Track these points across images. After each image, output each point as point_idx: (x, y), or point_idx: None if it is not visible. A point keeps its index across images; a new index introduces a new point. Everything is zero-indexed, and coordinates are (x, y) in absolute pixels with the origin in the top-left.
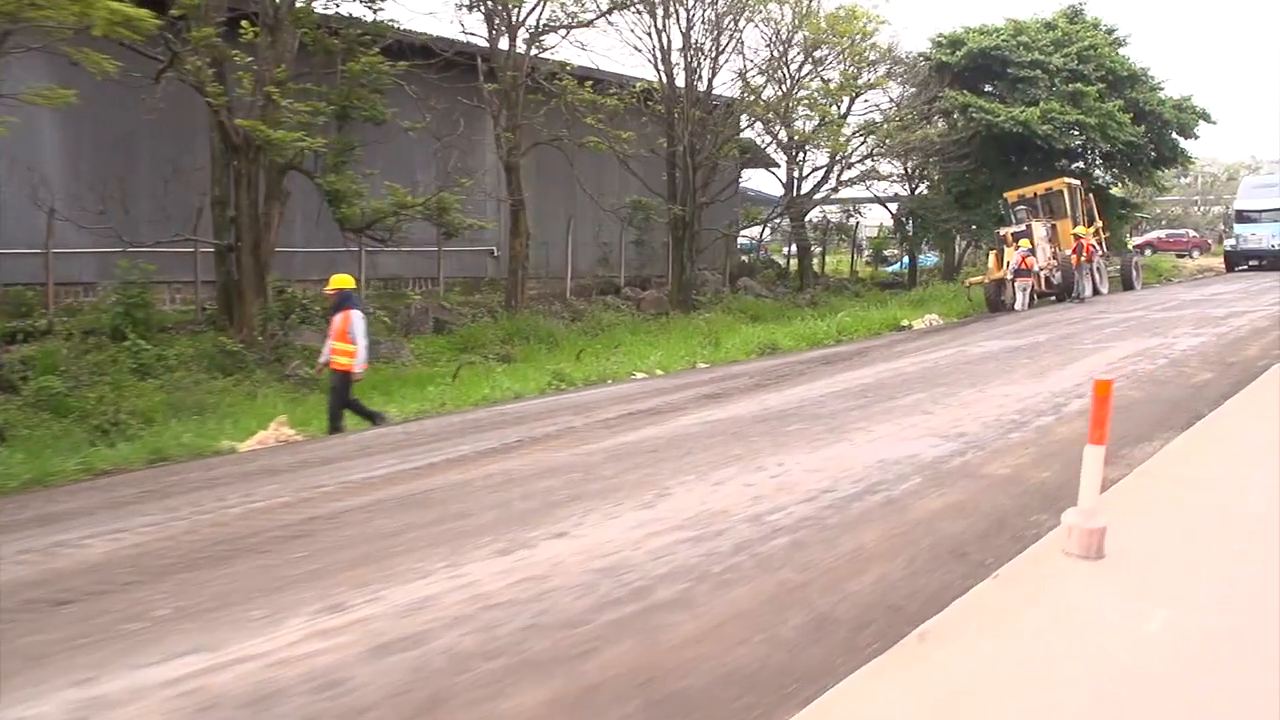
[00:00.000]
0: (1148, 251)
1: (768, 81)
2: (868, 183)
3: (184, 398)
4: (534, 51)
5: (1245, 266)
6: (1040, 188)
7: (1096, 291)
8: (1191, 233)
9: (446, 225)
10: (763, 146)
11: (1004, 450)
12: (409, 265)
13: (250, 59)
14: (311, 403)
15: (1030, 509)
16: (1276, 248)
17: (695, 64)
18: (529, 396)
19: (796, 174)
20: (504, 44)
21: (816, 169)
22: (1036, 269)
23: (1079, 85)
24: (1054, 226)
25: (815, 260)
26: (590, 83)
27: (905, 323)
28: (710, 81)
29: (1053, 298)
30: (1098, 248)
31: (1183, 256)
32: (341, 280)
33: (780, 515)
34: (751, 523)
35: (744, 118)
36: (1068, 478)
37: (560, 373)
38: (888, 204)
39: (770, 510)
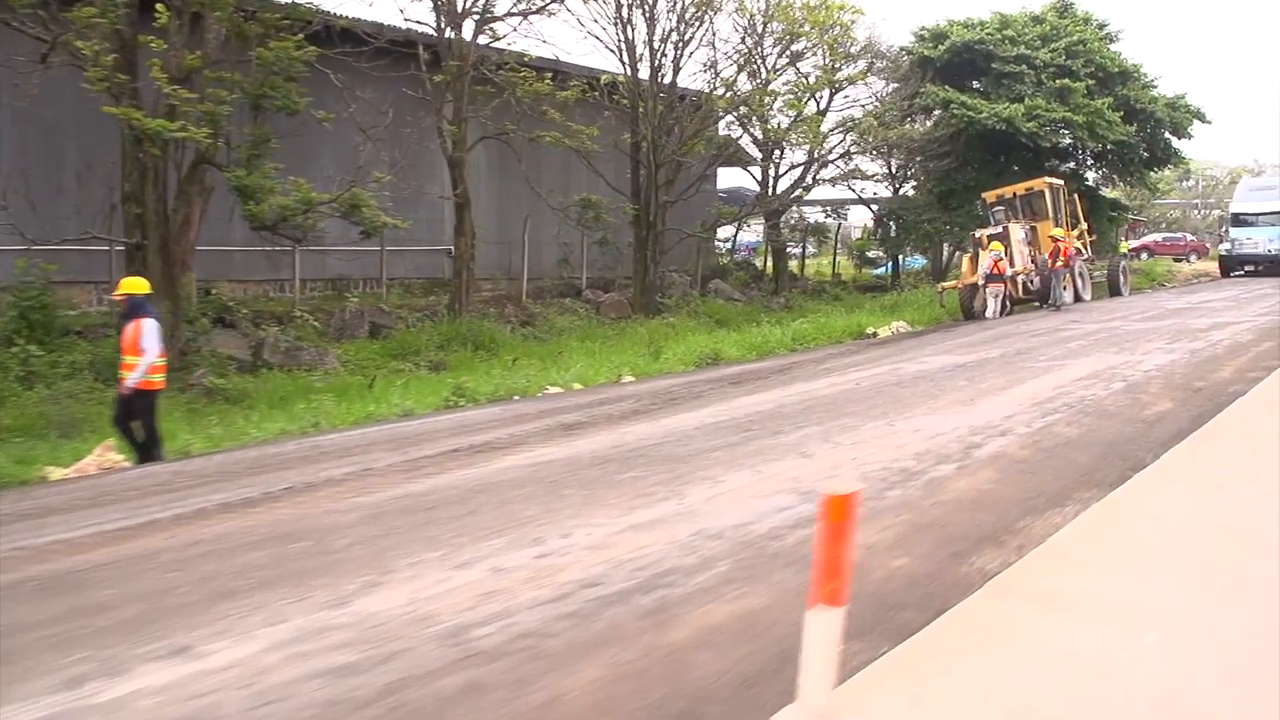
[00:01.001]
0: (1144, 255)
1: (739, 73)
2: (851, 182)
3: (59, 411)
4: (482, 39)
5: (1241, 272)
6: (1020, 188)
7: (1078, 298)
8: (1189, 236)
9: (362, 223)
10: (736, 141)
11: (868, 518)
12: (360, 265)
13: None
14: (211, 414)
15: (848, 633)
16: (1273, 252)
17: (660, 55)
18: (420, 414)
19: (773, 172)
20: (452, 31)
21: (794, 167)
22: (1010, 274)
23: (1066, 81)
24: (1034, 229)
25: (797, 262)
26: (550, 75)
27: (870, 330)
28: (675, 73)
29: (1036, 304)
30: (1083, 251)
31: (1180, 260)
32: (132, 284)
33: (491, 630)
34: (442, 643)
35: (715, 113)
36: (933, 566)
37: (462, 388)
38: (871, 204)
39: (484, 620)
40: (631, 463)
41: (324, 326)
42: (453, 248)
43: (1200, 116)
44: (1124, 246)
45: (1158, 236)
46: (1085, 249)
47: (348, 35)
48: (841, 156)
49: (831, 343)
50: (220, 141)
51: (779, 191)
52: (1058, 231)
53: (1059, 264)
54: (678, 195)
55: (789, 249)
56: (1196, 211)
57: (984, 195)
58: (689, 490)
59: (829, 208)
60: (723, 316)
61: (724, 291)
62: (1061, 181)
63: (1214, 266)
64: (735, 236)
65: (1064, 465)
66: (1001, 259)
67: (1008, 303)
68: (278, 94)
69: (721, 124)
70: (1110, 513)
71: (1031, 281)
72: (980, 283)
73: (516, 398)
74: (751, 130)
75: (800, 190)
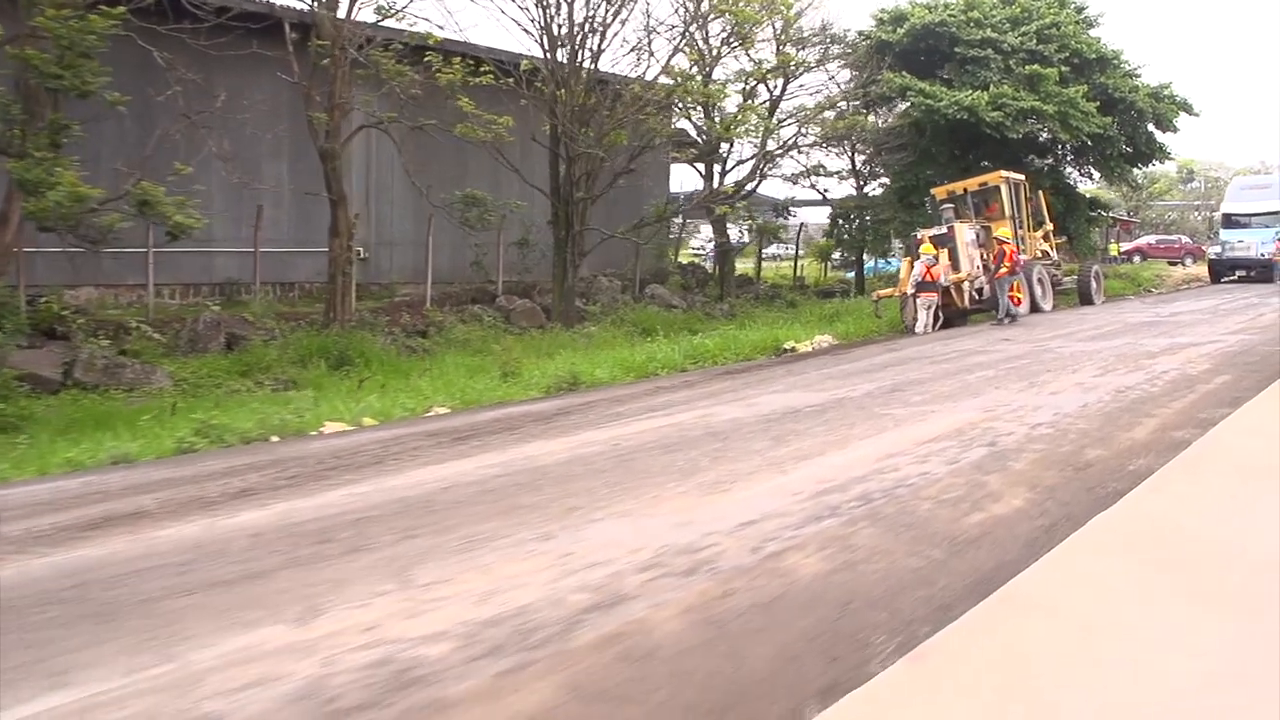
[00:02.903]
0: (1137, 258)
1: (673, 54)
2: (812, 179)
3: None
4: (368, 16)
5: (1233, 277)
6: (973, 183)
7: (1036, 308)
8: (1184, 238)
9: (160, 222)
10: (664, 133)
11: None
12: (261, 268)
13: None
14: None
15: None
16: (1265, 256)
17: (581, 35)
18: (144, 460)
19: (718, 168)
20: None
21: (741, 162)
22: (944, 282)
23: (1036, 68)
24: (987, 229)
25: (757, 265)
26: (460, 59)
27: (789, 345)
28: (597, 58)
29: (1004, 317)
30: (1050, 254)
31: (1175, 264)
32: None
33: None
34: None
35: (642, 101)
36: None
37: (209, 426)
38: (826, 203)
39: None
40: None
41: (173, 338)
42: (361, 249)
43: (1186, 108)
44: (1114, 249)
45: (1152, 239)
46: (1051, 252)
47: (183, 11)
48: (790, 149)
49: (737, 360)
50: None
51: (723, 188)
52: (1004, 232)
53: (1003, 270)
54: (599, 191)
55: (738, 249)
56: (1197, 213)
57: (933, 191)
58: None
59: (777, 207)
60: (650, 325)
61: (662, 298)
62: (1022, 176)
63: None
64: (681, 236)
65: (732, 672)
66: (935, 264)
67: (940, 314)
68: (69, 73)
69: (662, 114)
70: None
71: (981, 290)
72: (910, 292)
73: (275, 439)
74: (695, 121)
75: (745, 187)
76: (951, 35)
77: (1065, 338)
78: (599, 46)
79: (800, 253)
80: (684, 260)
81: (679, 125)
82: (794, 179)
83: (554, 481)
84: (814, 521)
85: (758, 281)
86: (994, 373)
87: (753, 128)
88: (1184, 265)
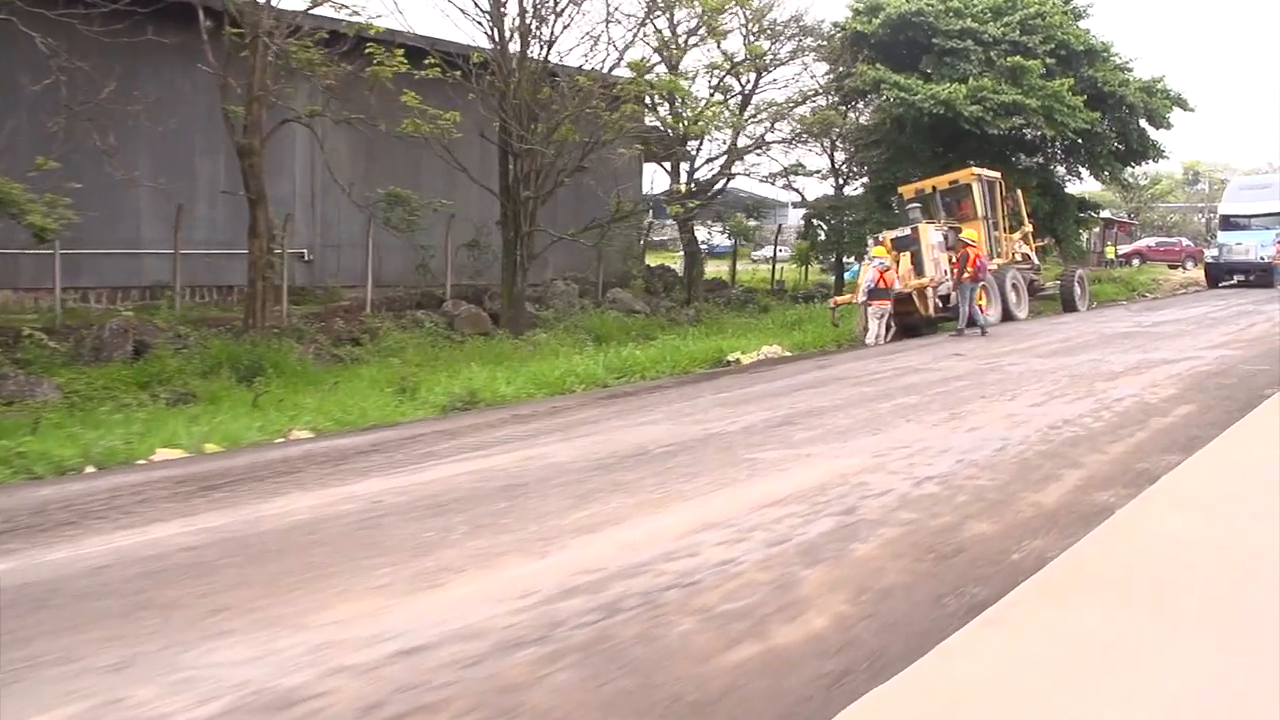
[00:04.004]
0: (1136, 261)
1: (631, 42)
2: (789, 179)
3: None
4: (295, 4)
5: (1231, 282)
6: (942, 180)
7: (1009, 316)
8: (1185, 241)
9: (17, 221)
10: (629, 130)
11: None
12: (186, 270)
13: None
14: None
15: None
16: (1265, 260)
17: (530, 23)
18: None
19: (686, 165)
20: None
21: (711, 160)
22: (899, 289)
23: (1019, 59)
24: (957, 231)
25: (732, 268)
26: (402, 50)
27: (734, 356)
28: (549, 47)
29: (964, 328)
30: (1030, 258)
31: (1176, 267)
32: None
33: None
34: None
35: (597, 93)
36: None
37: (16, 455)
38: (802, 204)
39: None
40: None
41: (75, 347)
42: (305, 252)
43: (1181, 103)
44: (1111, 251)
45: (1152, 241)
46: (1032, 255)
47: None
48: (759, 146)
49: (671, 373)
50: None
51: (678, 186)
52: (971, 234)
53: (966, 275)
54: (547, 189)
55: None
56: (1200, 216)
57: (900, 190)
58: None
59: (748, 207)
60: (606, 333)
61: (624, 302)
62: (997, 174)
63: None
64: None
65: None
66: (888, 269)
67: (892, 325)
68: None
69: (623, 109)
70: None
71: (947, 297)
72: (861, 299)
73: (91, 469)
74: (661, 116)
75: (714, 186)
76: (930, 26)
77: (1024, 353)
78: (551, 35)
79: (782, 255)
80: (668, 264)
81: (648, 121)
82: (772, 179)
83: (236, 565)
84: (506, 652)
85: (733, 285)
86: (918, 399)
87: (722, 123)
88: (1185, 269)
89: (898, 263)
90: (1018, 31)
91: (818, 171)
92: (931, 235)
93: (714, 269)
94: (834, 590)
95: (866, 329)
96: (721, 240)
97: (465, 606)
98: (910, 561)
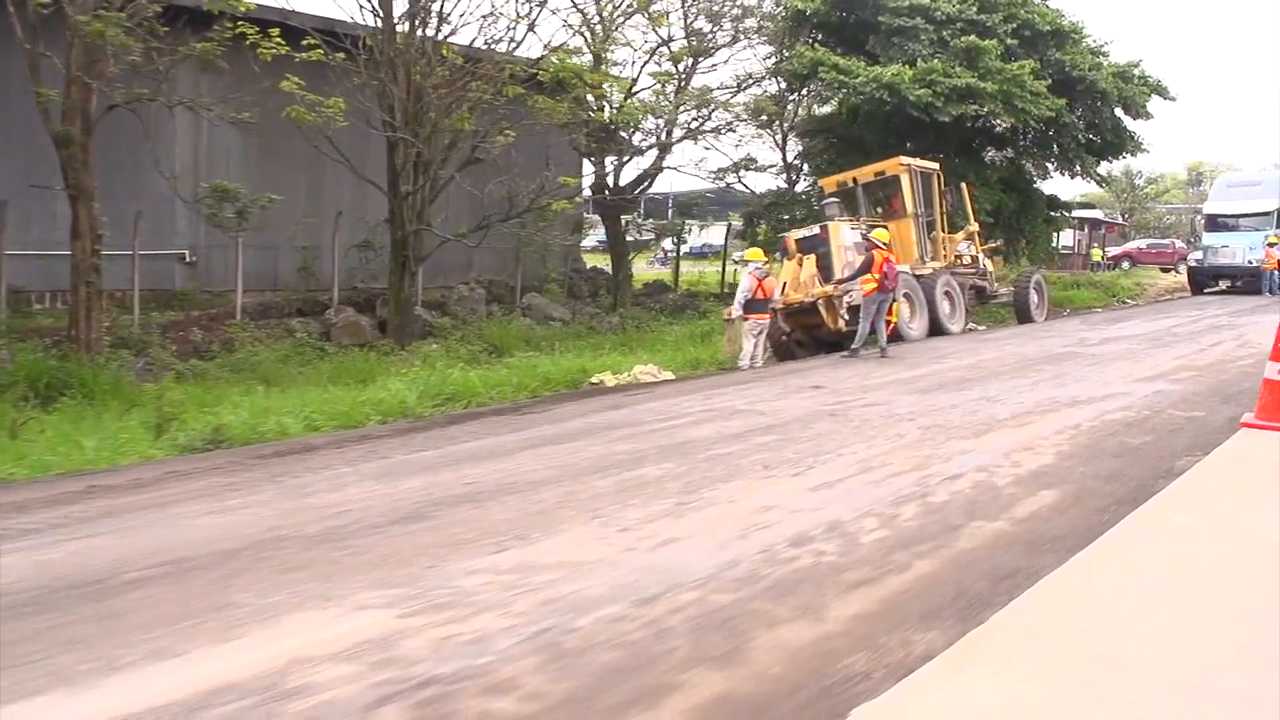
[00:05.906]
0: (1125, 264)
1: (523, 22)
2: (740, 174)
3: None
4: None
5: (1216, 288)
6: (866, 172)
7: (940, 330)
8: (1177, 243)
9: None
10: (547, 121)
11: None
12: (52, 275)
13: None
14: None
15: None
16: (1253, 264)
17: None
18: None
19: (614, 159)
20: None
21: (640, 152)
22: (777, 301)
23: (974, 39)
24: (886, 229)
25: (675, 270)
26: (278, 29)
27: (598, 378)
28: (439, 24)
29: (858, 347)
30: (976, 260)
31: (1168, 270)
32: None
33: None
34: None
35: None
36: None
37: None
38: (747, 201)
39: None
40: None
41: None
42: (185, 252)
43: (1161, 91)
44: (1097, 254)
45: (1143, 243)
46: (980, 258)
47: None
48: (689, 136)
49: (506, 398)
50: None
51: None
52: (882, 235)
53: (872, 287)
54: (441, 184)
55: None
56: (1198, 216)
57: (820, 182)
58: None
59: (680, 205)
60: (507, 344)
61: (540, 309)
62: (935, 166)
63: None
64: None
65: None
66: (768, 276)
67: (768, 344)
68: None
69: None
70: None
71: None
72: (735, 314)
73: None
74: (587, 108)
75: (643, 182)
76: (875, 2)
77: (902, 386)
78: (442, 12)
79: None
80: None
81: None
82: (721, 174)
83: None
84: None
85: (675, 289)
86: (671, 467)
87: (651, 110)
88: (1176, 272)
89: (801, 266)
90: (975, 9)
91: (772, 166)
92: (844, 235)
93: (693, 271)
94: None
95: (740, 348)
96: (714, 240)
97: None
98: None
